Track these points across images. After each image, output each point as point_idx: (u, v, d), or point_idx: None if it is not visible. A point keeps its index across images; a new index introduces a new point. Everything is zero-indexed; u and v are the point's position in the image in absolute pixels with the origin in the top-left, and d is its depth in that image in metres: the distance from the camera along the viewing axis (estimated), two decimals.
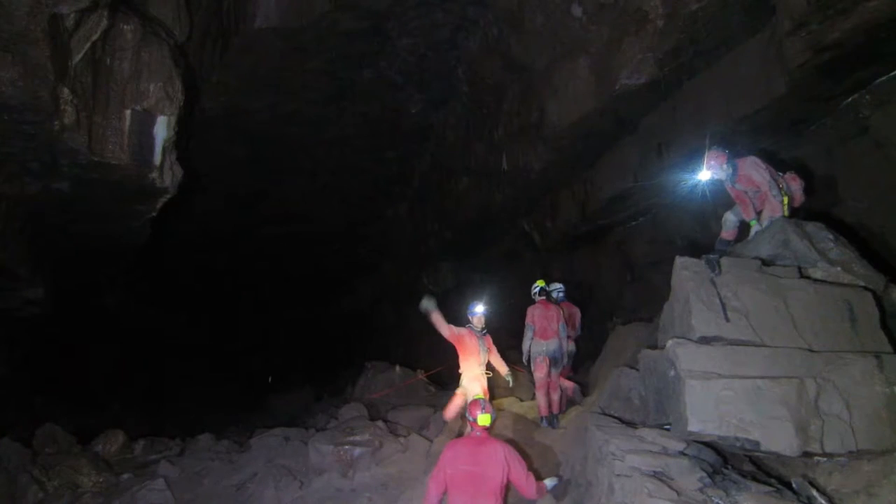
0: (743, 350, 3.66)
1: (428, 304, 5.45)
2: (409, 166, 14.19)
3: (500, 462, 3.55)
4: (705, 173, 4.91)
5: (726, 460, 3.59)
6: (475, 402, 4.00)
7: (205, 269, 18.66)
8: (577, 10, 7.16)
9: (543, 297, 6.35)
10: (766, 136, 6.39)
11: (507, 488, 3.67)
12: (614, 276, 10.19)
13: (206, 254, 17.40)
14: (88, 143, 6.81)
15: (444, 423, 6.43)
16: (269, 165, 13.37)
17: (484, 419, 3.83)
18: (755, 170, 4.64)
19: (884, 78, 5.34)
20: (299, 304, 22.38)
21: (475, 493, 3.49)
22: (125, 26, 7.17)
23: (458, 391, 5.65)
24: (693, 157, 6.86)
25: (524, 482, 3.65)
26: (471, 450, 3.66)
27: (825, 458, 3.46)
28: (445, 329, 5.50)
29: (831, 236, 4.49)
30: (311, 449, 6.17)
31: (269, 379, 19.55)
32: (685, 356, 3.63)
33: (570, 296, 7.38)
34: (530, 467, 3.88)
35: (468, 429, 4.07)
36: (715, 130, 6.38)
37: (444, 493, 3.62)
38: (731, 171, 4.76)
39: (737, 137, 6.41)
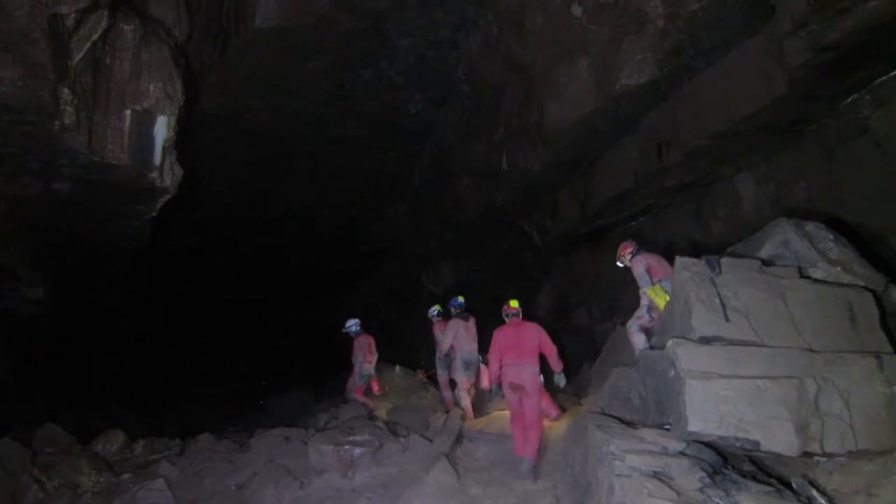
0: (743, 350, 3.67)
1: None
2: (409, 166, 14.16)
3: (535, 334, 5.48)
4: (618, 264, 6.00)
5: (726, 460, 3.59)
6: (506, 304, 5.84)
7: (205, 268, 18.65)
8: (577, 10, 7.15)
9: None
10: (767, 135, 6.38)
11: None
12: (614, 276, 10.16)
13: (206, 253, 17.40)
14: (88, 143, 6.79)
15: (446, 422, 6.50)
16: (269, 165, 13.35)
17: (514, 302, 5.78)
18: (636, 265, 5.52)
19: (884, 78, 5.32)
20: (299, 304, 22.37)
21: (519, 353, 5.31)
22: (125, 26, 7.16)
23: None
24: (693, 157, 6.89)
25: (549, 350, 5.49)
26: (513, 329, 5.55)
27: (825, 458, 3.46)
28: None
29: (831, 236, 4.50)
30: (311, 449, 6.16)
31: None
32: (685, 356, 3.64)
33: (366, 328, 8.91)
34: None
35: (506, 319, 5.73)
36: (715, 130, 6.39)
37: (501, 360, 5.35)
38: (628, 260, 5.74)
39: (736, 138, 6.41)
